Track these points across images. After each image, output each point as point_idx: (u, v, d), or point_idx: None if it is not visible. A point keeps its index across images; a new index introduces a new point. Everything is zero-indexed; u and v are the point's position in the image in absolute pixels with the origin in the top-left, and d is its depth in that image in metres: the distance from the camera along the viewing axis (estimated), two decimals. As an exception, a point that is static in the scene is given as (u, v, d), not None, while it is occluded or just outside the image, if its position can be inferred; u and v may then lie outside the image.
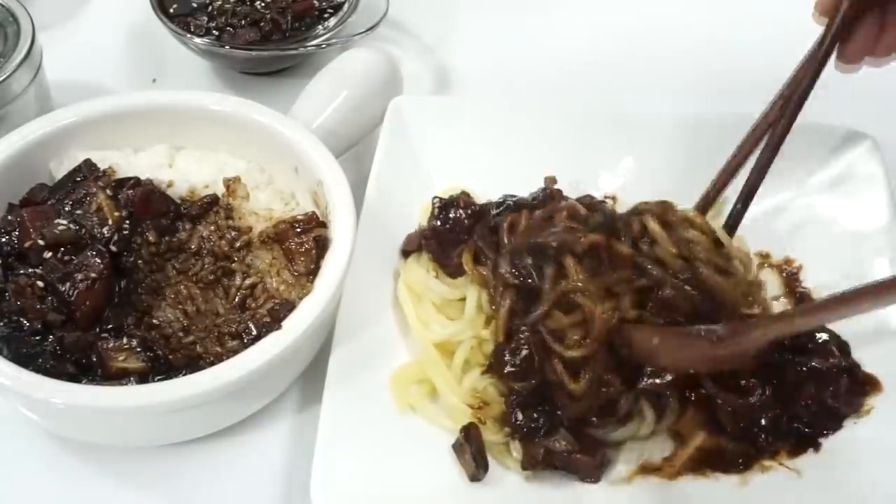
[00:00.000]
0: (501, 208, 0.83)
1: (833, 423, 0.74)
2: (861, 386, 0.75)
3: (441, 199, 0.83)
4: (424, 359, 0.77)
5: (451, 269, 0.81)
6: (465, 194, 0.84)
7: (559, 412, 0.73)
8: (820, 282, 0.83)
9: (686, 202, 0.87)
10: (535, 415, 0.73)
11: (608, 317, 0.73)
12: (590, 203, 0.83)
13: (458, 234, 0.81)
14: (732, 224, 0.82)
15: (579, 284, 0.73)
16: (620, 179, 0.90)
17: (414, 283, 0.81)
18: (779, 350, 0.74)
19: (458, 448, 0.73)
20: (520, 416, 0.73)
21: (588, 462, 0.72)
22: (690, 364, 0.73)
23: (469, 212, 0.82)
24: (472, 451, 0.72)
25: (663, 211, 0.79)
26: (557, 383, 0.73)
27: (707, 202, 0.82)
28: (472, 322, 0.78)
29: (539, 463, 0.72)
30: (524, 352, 0.73)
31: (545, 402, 0.73)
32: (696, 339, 0.71)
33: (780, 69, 0.99)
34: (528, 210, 0.80)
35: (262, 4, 1.01)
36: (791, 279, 0.84)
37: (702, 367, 0.73)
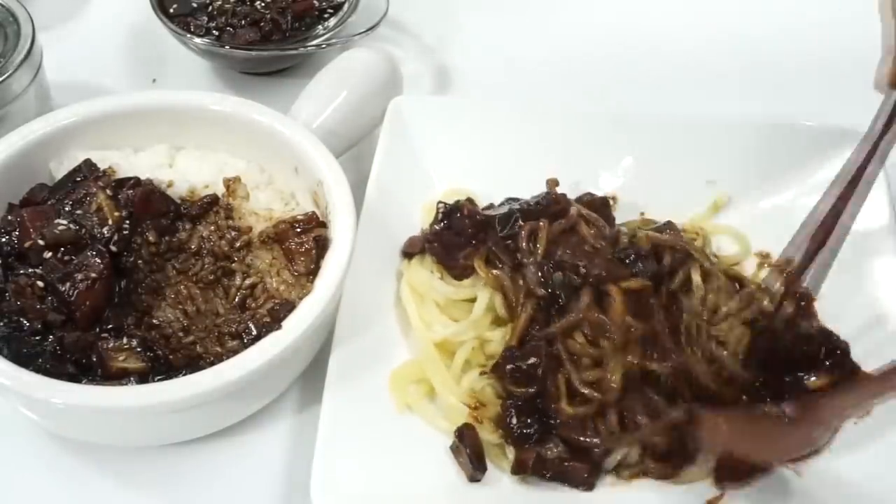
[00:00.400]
0: (507, 214, 0.82)
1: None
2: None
3: (445, 204, 0.83)
4: (424, 358, 0.77)
5: (456, 272, 0.81)
6: (469, 201, 0.83)
7: (553, 421, 0.73)
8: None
9: (686, 202, 0.88)
10: (529, 420, 0.73)
11: (630, 368, 0.72)
12: (596, 199, 0.83)
13: (463, 238, 0.81)
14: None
15: (612, 324, 0.73)
16: (620, 179, 0.90)
17: (418, 283, 0.80)
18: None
19: (454, 449, 0.73)
20: (514, 420, 0.73)
21: (580, 469, 0.72)
22: (760, 455, 0.68)
23: (473, 220, 0.81)
24: (467, 452, 0.72)
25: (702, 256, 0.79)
26: (554, 397, 0.73)
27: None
28: (477, 323, 0.78)
29: (529, 469, 0.72)
30: (532, 359, 0.73)
31: (539, 412, 0.73)
32: (764, 422, 0.67)
33: (780, 69, 0.99)
34: (547, 218, 0.80)
35: (262, 4, 1.01)
36: (791, 280, 0.84)
37: (772, 456, 0.68)
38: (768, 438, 0.67)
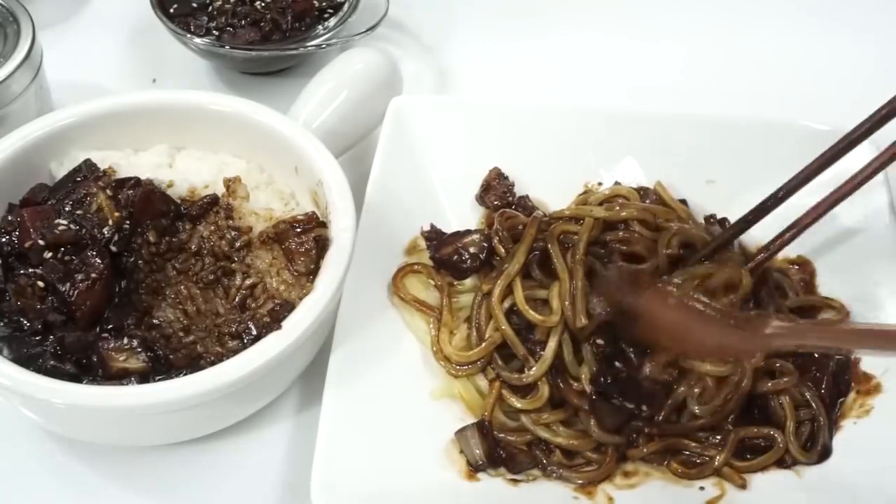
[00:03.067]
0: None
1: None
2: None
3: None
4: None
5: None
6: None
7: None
8: (821, 282, 0.83)
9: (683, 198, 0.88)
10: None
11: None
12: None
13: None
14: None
15: None
16: (620, 179, 0.90)
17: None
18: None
19: (460, 435, 0.74)
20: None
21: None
22: (695, 344, 0.71)
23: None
24: (481, 443, 0.73)
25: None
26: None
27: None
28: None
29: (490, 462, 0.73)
30: None
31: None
32: (712, 319, 0.69)
33: (780, 68, 0.99)
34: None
35: (262, 4, 1.01)
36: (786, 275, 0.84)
37: (705, 351, 0.72)
38: (706, 330, 0.70)
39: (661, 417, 0.73)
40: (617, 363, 0.74)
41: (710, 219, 0.87)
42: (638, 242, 0.79)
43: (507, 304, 0.78)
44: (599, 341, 0.75)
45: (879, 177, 0.84)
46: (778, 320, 0.70)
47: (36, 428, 0.77)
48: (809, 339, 0.69)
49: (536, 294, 0.78)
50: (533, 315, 0.76)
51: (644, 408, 0.73)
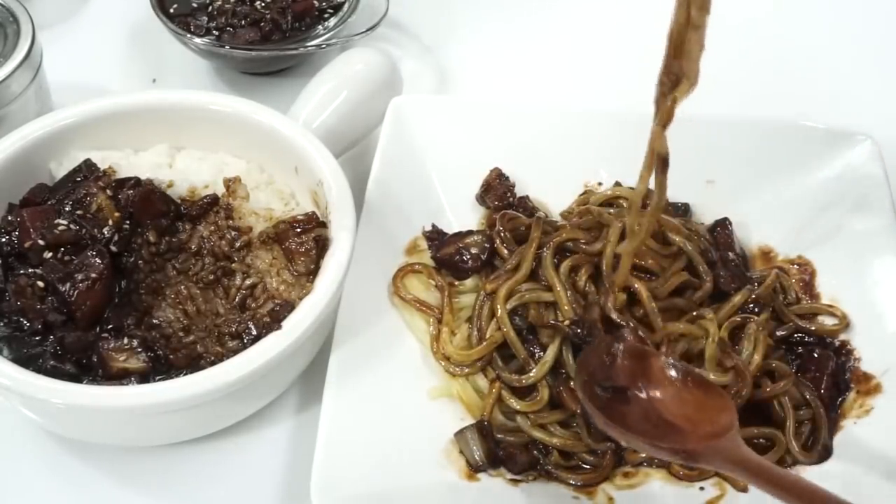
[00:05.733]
0: None
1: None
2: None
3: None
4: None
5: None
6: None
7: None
8: (820, 282, 0.83)
9: (685, 202, 0.88)
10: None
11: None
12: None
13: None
14: None
15: None
16: (620, 179, 0.90)
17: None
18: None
19: (459, 436, 0.73)
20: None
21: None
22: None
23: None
24: (482, 444, 0.73)
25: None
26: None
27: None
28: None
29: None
30: None
31: None
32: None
33: (781, 68, 0.99)
34: None
35: (262, 4, 1.01)
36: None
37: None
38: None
39: None
40: None
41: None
42: (647, 256, 0.79)
43: (509, 306, 0.78)
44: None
45: (880, 176, 0.84)
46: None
47: (36, 428, 0.77)
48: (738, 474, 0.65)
49: (542, 297, 0.78)
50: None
51: None
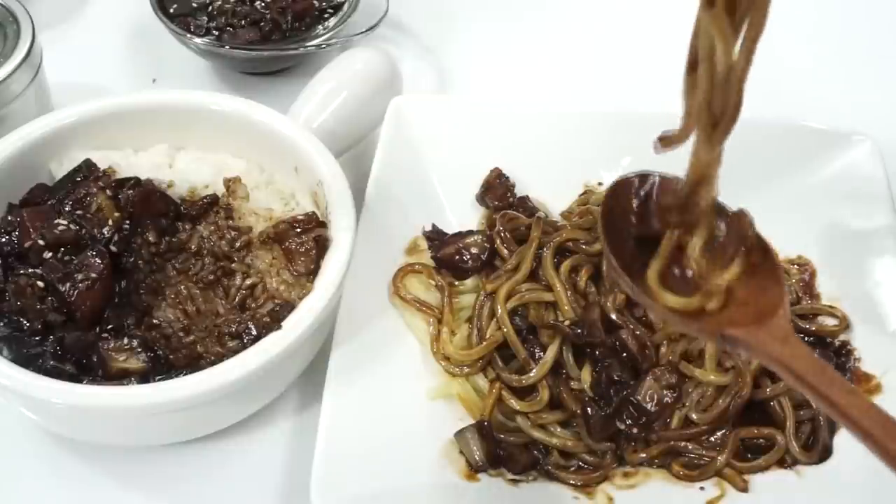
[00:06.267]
0: None
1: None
2: None
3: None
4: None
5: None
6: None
7: None
8: (821, 282, 0.83)
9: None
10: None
11: None
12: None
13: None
14: None
15: None
16: (620, 179, 0.90)
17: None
18: None
19: (459, 437, 0.73)
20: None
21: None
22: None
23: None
24: (483, 444, 0.72)
25: None
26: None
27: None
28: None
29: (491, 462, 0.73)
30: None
31: None
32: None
33: (781, 68, 0.99)
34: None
35: (262, 4, 1.01)
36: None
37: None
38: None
39: (656, 436, 0.73)
40: (616, 376, 0.74)
41: None
42: None
43: (509, 306, 0.78)
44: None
45: (880, 177, 0.84)
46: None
47: (36, 428, 0.77)
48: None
49: (542, 297, 0.78)
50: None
51: (634, 430, 0.73)
